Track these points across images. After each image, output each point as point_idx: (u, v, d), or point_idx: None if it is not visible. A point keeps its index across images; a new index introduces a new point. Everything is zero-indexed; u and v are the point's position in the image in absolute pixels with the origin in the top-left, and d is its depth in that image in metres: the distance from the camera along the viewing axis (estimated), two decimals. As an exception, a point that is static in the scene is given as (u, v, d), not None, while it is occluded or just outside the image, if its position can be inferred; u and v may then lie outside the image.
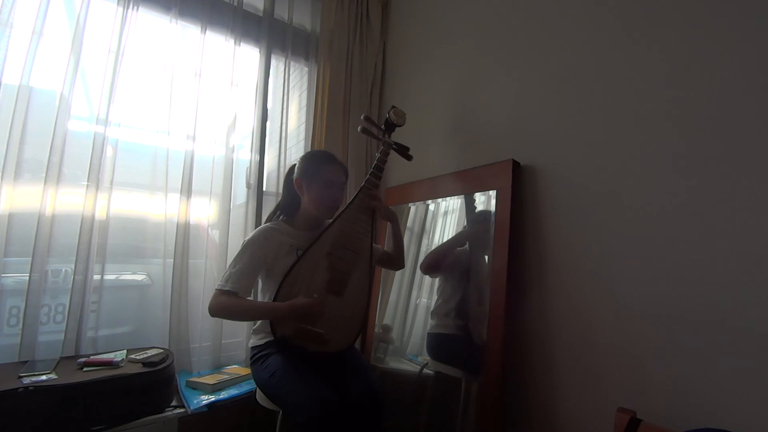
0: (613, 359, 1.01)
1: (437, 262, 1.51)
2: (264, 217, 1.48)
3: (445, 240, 1.51)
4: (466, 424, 1.23)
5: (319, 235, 1.22)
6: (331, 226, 1.24)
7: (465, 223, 1.43)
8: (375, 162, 1.34)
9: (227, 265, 1.20)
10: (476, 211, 1.38)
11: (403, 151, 1.44)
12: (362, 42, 1.99)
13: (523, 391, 1.21)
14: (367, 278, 1.28)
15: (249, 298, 1.22)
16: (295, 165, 1.34)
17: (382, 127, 1.41)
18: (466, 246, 1.43)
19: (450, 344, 1.39)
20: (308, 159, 1.31)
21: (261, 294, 1.25)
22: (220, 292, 1.13)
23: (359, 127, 1.40)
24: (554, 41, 1.25)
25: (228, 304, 1.13)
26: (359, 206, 1.28)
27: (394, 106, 1.41)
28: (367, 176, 1.32)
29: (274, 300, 1.14)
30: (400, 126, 1.41)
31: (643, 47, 1.03)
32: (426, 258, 1.56)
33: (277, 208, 1.36)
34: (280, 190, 1.50)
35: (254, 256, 1.18)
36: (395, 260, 1.43)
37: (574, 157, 1.16)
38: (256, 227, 1.33)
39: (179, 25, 1.58)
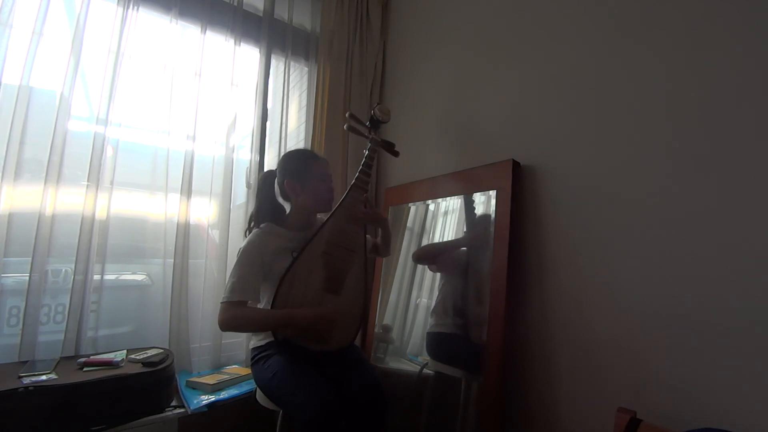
0: (613, 359, 1.01)
1: (432, 256, 1.53)
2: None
3: (445, 240, 1.51)
4: (466, 424, 1.23)
5: (314, 235, 1.22)
6: (324, 226, 1.24)
7: (465, 225, 1.43)
8: (363, 159, 1.34)
9: (227, 273, 1.18)
10: (476, 215, 1.37)
11: (390, 147, 1.44)
12: (362, 42, 1.99)
13: (523, 391, 1.21)
14: (364, 275, 1.28)
15: (257, 305, 1.21)
16: (271, 171, 1.33)
17: (368, 124, 1.41)
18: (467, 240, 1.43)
19: (449, 343, 1.39)
20: (294, 159, 1.30)
21: (259, 297, 1.25)
22: (229, 305, 1.10)
23: (345, 125, 1.40)
24: (554, 41, 1.25)
25: (242, 316, 1.11)
26: (352, 204, 1.28)
27: (378, 103, 1.41)
28: (357, 174, 1.32)
29: (273, 303, 1.13)
30: (385, 123, 1.41)
31: (642, 48, 1.03)
32: (420, 249, 1.56)
33: (259, 215, 1.29)
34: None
35: (252, 262, 1.17)
36: (381, 250, 1.47)
37: (574, 157, 1.16)
38: (247, 232, 1.33)
39: (179, 25, 1.58)
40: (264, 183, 1.33)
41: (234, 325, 1.13)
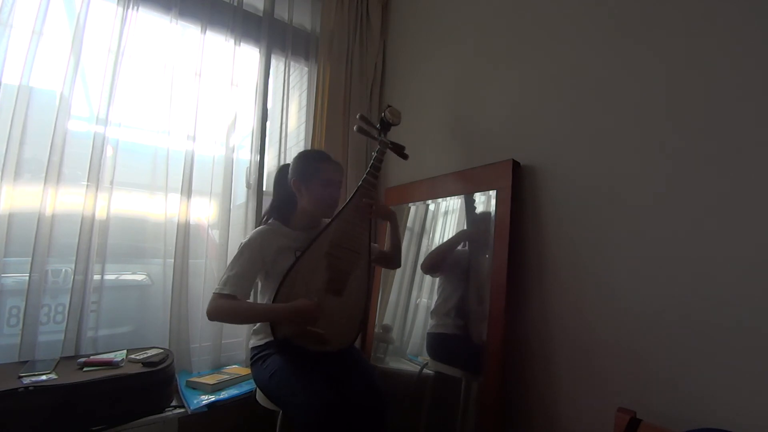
0: (613, 359, 1.01)
1: (438, 262, 1.51)
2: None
3: (445, 240, 1.51)
4: (466, 424, 1.24)
5: (318, 235, 1.22)
6: (329, 226, 1.23)
7: (465, 224, 1.43)
8: (372, 161, 1.33)
9: (226, 268, 1.19)
10: (476, 212, 1.38)
11: (399, 150, 1.44)
12: (362, 42, 1.99)
13: (523, 391, 1.21)
14: (366, 277, 1.27)
15: (248, 300, 1.22)
16: (287, 165, 1.33)
17: (378, 126, 1.41)
18: (466, 246, 1.43)
19: (450, 344, 1.39)
20: (304, 159, 1.31)
21: (260, 295, 1.25)
22: (219, 296, 1.12)
23: (355, 127, 1.40)
24: (554, 41, 1.25)
25: (227, 307, 1.12)
26: (357, 206, 1.27)
27: (389, 105, 1.40)
28: (365, 176, 1.31)
29: (273, 301, 1.14)
30: (395, 125, 1.41)
31: (642, 48, 1.03)
32: (426, 258, 1.56)
33: (271, 210, 1.34)
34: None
35: (252, 259, 1.17)
36: (392, 259, 1.42)
37: (574, 157, 1.16)
38: (256, 227, 1.33)
39: (179, 25, 1.58)
40: (277, 177, 1.34)
41: (218, 314, 1.12)
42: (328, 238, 1.22)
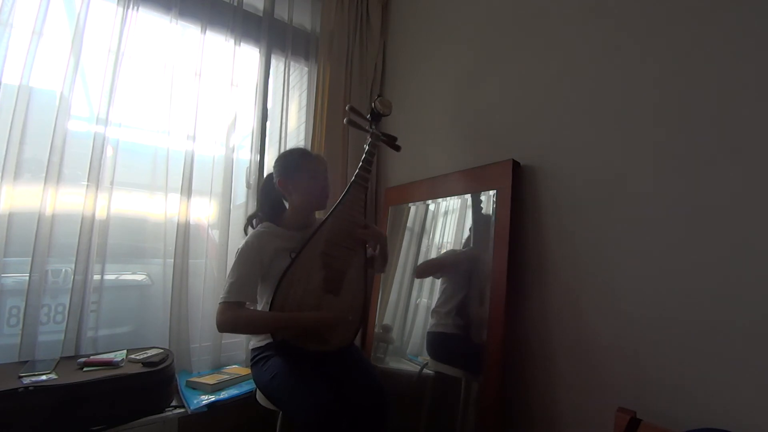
0: (613, 359, 1.01)
1: (432, 272, 1.52)
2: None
3: (445, 240, 1.51)
4: (466, 424, 1.24)
5: (312, 234, 1.21)
6: (323, 225, 1.22)
7: (467, 223, 1.43)
8: (364, 155, 1.30)
9: (227, 273, 1.18)
10: (482, 212, 1.37)
11: (391, 142, 1.40)
12: (362, 42, 2.00)
13: (523, 390, 1.21)
14: (363, 274, 1.26)
15: (254, 306, 1.21)
16: (271, 173, 1.32)
17: (369, 117, 1.37)
18: (468, 246, 1.43)
19: (450, 343, 1.39)
20: (285, 158, 1.30)
21: (257, 297, 1.24)
22: (227, 306, 1.09)
23: (345, 119, 1.37)
24: (554, 41, 1.25)
25: (242, 317, 1.10)
26: (351, 203, 1.26)
27: (379, 95, 1.38)
28: (357, 170, 1.29)
29: (271, 303, 1.12)
30: (386, 115, 1.36)
31: (643, 48, 1.03)
32: (420, 266, 1.56)
33: (262, 215, 1.31)
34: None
35: (252, 262, 1.16)
36: (377, 265, 1.35)
37: (575, 157, 1.16)
38: (245, 231, 1.33)
39: (179, 25, 1.58)
40: (264, 186, 1.33)
41: (233, 326, 1.12)
42: (322, 237, 1.21)
